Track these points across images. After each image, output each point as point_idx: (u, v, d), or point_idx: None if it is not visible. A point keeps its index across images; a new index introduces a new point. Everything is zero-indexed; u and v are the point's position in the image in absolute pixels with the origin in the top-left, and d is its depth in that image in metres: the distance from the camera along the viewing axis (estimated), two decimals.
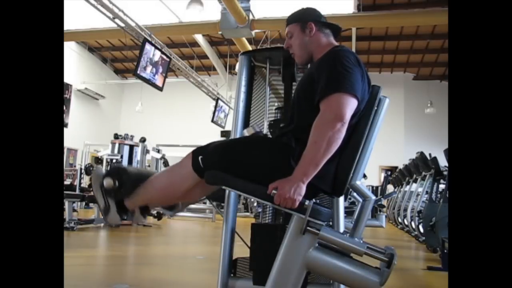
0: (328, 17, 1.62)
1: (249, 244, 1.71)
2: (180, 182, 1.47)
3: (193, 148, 1.50)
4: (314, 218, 1.25)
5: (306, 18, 1.56)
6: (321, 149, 1.25)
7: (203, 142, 1.55)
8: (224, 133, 11.03)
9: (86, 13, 8.32)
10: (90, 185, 7.28)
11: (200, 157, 1.41)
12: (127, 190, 1.53)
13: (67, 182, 7.97)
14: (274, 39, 10.54)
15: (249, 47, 9.86)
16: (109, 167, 6.68)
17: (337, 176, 1.37)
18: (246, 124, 2.04)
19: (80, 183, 7.80)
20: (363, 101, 1.37)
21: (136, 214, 1.58)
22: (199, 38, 12.05)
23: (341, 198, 1.73)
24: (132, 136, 7.10)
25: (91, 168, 7.71)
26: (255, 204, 2.07)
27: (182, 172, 1.46)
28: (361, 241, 1.30)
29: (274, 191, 1.25)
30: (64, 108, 12.52)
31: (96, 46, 14.13)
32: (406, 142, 13.35)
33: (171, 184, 1.50)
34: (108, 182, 1.52)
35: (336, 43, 1.55)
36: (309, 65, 1.62)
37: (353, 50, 10.51)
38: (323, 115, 1.29)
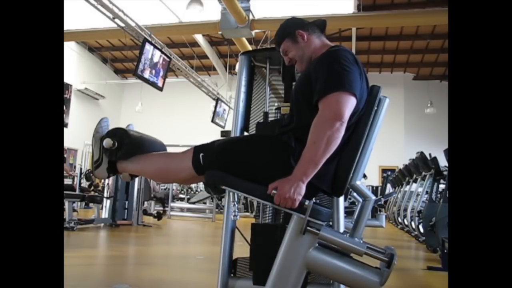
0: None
1: (249, 242, 1.70)
2: (175, 171, 1.52)
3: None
4: (314, 218, 1.25)
5: (291, 29, 1.56)
6: (321, 149, 1.25)
7: (203, 142, 1.55)
8: (224, 133, 11.02)
9: (86, 13, 8.32)
10: (91, 177, 7.27)
11: (201, 155, 1.41)
12: (124, 154, 1.57)
13: (67, 182, 7.97)
14: (274, 39, 10.53)
15: (249, 47, 9.86)
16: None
17: (337, 176, 1.37)
18: (246, 124, 2.04)
19: (80, 183, 7.80)
20: (361, 100, 1.37)
21: (124, 176, 1.64)
22: (199, 38, 12.05)
23: (341, 198, 1.73)
24: None
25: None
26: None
27: (181, 163, 1.49)
28: (361, 241, 1.30)
29: (274, 191, 1.25)
30: (64, 108, 12.53)
31: (96, 46, 14.13)
32: (406, 142, 13.35)
33: (166, 170, 1.56)
34: (107, 142, 1.55)
35: (330, 43, 1.55)
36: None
37: (353, 50, 10.56)
38: (322, 114, 1.29)
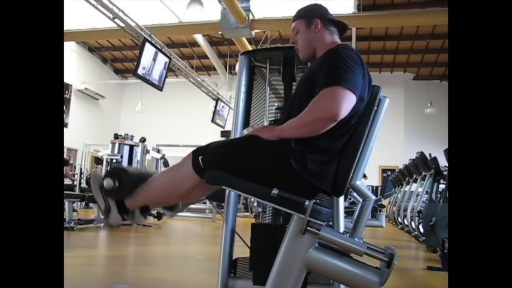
0: None
1: (249, 244, 1.70)
2: (180, 182, 1.47)
3: (193, 148, 1.50)
4: (314, 218, 1.25)
5: (312, 15, 1.56)
6: (303, 128, 1.31)
7: (203, 142, 1.55)
8: (224, 133, 11.03)
9: (86, 13, 8.33)
10: (89, 185, 7.28)
11: (200, 157, 1.41)
12: (127, 190, 1.52)
13: (67, 182, 7.96)
14: (274, 39, 10.53)
15: (249, 47, 9.86)
16: (109, 167, 6.69)
17: (337, 176, 1.36)
18: (246, 124, 2.04)
19: (80, 183, 7.81)
20: (362, 101, 1.37)
21: (136, 214, 1.58)
22: (199, 38, 12.05)
23: (341, 198, 1.73)
24: (132, 136, 7.10)
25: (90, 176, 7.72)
26: (255, 204, 2.07)
27: (182, 172, 1.46)
28: (361, 241, 1.30)
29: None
30: (64, 108, 12.53)
31: (96, 46, 14.12)
32: (406, 142, 13.34)
33: (171, 185, 1.50)
34: (108, 182, 1.51)
35: (340, 42, 1.55)
36: (309, 64, 1.62)
37: None
38: (322, 101, 1.28)
